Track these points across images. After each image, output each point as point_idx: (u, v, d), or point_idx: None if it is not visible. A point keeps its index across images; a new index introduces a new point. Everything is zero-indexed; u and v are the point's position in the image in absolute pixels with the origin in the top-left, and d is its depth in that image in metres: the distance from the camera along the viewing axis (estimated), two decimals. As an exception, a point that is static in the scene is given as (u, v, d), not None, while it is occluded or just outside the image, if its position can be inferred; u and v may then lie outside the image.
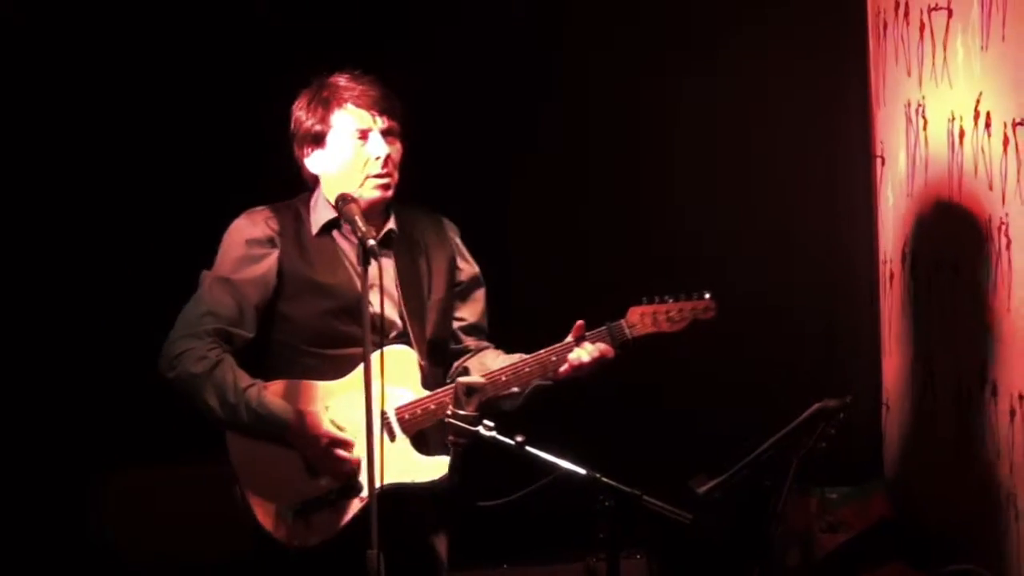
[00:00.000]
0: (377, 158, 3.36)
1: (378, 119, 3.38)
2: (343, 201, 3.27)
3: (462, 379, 3.04)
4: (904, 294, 4.43)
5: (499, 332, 3.64)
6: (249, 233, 3.38)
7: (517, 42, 4.53)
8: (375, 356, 3.16)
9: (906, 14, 4.31)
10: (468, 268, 3.58)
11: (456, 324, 3.55)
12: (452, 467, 3.06)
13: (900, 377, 4.51)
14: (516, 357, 3.47)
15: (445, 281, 3.51)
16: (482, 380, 3.06)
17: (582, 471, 2.94)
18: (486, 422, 2.98)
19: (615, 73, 4.58)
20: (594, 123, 4.60)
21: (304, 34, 4.39)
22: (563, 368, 3.44)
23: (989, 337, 3.79)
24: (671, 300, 3.53)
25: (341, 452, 3.26)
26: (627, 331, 3.48)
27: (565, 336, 3.45)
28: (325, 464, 3.27)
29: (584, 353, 3.42)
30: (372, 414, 2.97)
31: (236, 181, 4.13)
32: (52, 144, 4.33)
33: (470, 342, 3.57)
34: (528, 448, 2.96)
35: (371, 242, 3.02)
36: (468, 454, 3.12)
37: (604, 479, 2.92)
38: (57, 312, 4.33)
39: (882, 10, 4.52)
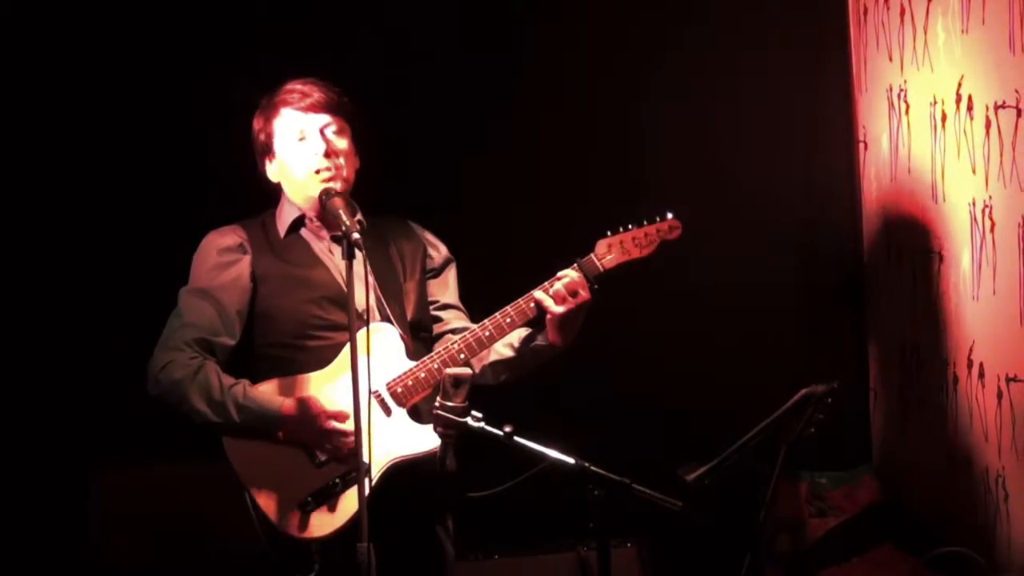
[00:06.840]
0: (316, 154, 3.38)
1: (312, 117, 3.40)
2: (327, 195, 3.30)
3: (449, 370, 3.03)
4: (890, 278, 4.44)
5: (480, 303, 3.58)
6: (218, 243, 3.43)
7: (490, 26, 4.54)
8: (360, 336, 3.17)
9: (886, -1, 4.32)
10: (438, 254, 3.61)
11: (433, 306, 3.57)
12: (440, 459, 3.06)
13: (887, 361, 4.52)
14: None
15: (419, 268, 3.54)
16: (468, 371, 3.04)
17: (571, 460, 2.94)
18: (474, 413, 2.99)
19: (587, 57, 4.58)
20: (566, 105, 4.59)
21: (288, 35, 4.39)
22: (547, 306, 3.37)
23: (975, 320, 3.80)
24: (634, 227, 3.49)
25: (339, 426, 3.25)
26: (598, 264, 3.43)
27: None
28: (327, 444, 3.27)
29: (560, 285, 3.37)
30: (359, 399, 2.95)
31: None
32: (64, 142, 4.34)
33: (449, 318, 3.57)
34: (517, 438, 2.96)
35: (355, 235, 3.03)
36: (457, 445, 3.13)
37: (593, 468, 2.92)
38: (57, 309, 4.34)
39: (862, -5, 4.53)
